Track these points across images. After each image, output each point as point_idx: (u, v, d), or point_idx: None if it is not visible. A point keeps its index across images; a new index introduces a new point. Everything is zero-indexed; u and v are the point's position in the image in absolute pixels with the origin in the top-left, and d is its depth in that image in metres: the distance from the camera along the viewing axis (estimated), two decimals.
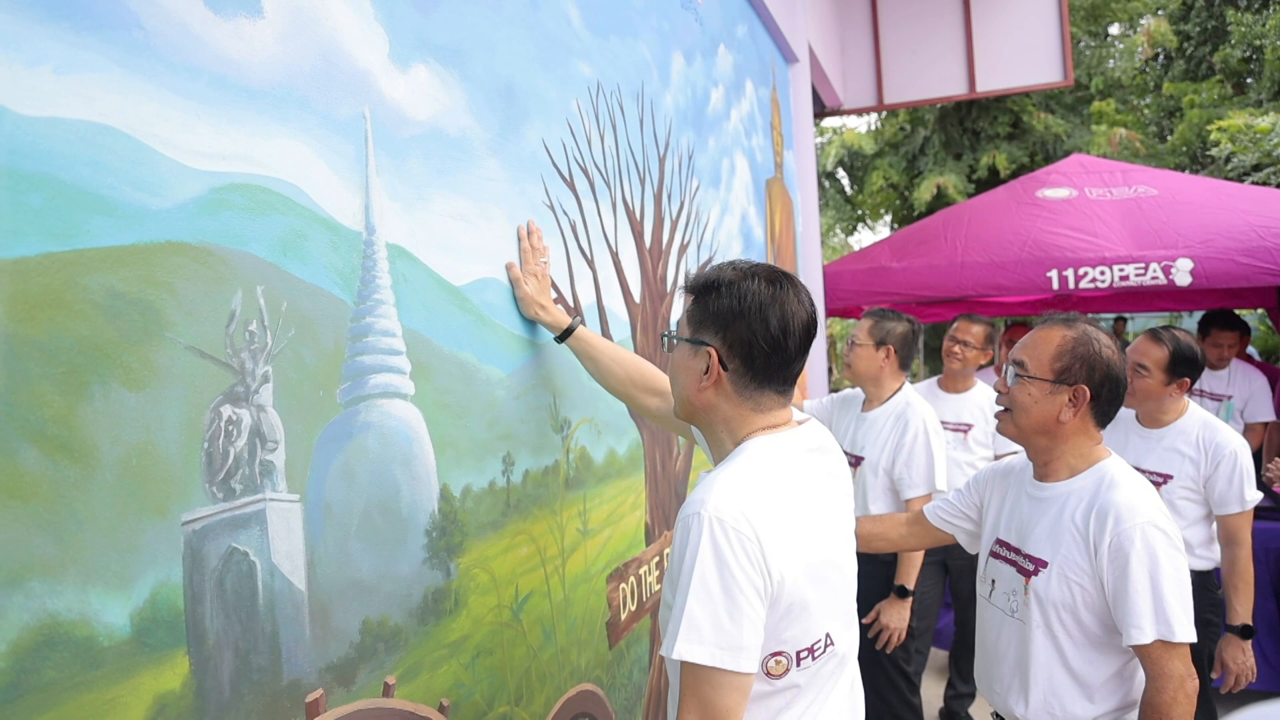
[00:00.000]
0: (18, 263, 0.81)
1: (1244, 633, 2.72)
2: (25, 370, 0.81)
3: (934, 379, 3.93)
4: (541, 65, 1.86)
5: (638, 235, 2.39)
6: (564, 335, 1.82)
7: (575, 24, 2.03)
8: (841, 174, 15.80)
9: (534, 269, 1.80)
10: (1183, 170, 13.77)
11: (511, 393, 1.69)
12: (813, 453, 1.36)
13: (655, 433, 2.46)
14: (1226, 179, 10.19)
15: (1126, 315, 7.79)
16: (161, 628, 0.94)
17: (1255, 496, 2.71)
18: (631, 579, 2.25)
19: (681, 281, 1.26)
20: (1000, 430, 1.86)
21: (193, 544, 0.98)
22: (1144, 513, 1.67)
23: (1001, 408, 1.85)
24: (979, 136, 13.65)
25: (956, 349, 3.69)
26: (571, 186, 1.98)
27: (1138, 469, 2.15)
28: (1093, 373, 1.76)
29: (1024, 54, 6.99)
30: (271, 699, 1.08)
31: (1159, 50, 15.11)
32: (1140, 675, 1.73)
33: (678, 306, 2.66)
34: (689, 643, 1.14)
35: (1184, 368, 2.68)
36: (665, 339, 1.42)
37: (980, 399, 3.72)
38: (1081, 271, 4.64)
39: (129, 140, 0.92)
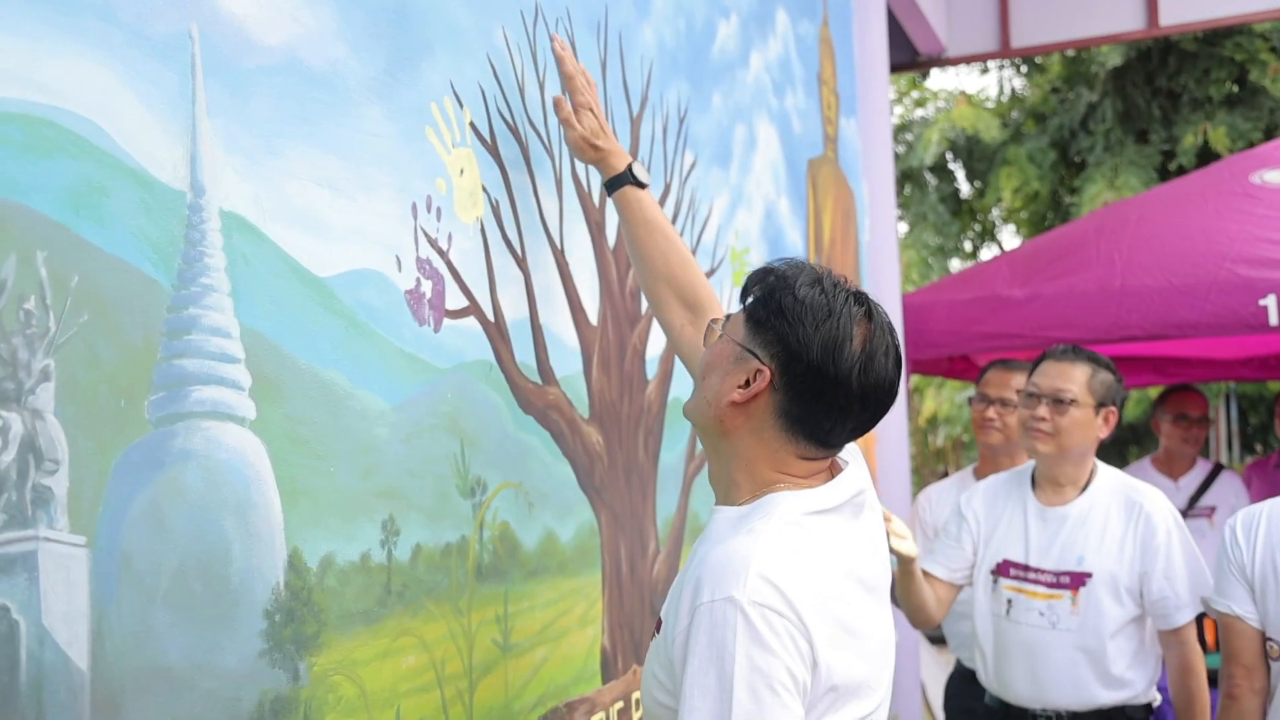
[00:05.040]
0: None
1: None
2: None
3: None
4: None
5: (596, 229, 2.48)
6: (614, 184, 2.09)
7: None
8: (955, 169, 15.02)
9: (588, 101, 2.08)
10: None
11: (398, 433, 1.78)
12: (852, 510, 1.55)
13: (620, 517, 2.51)
14: None
15: None
16: None
17: None
18: None
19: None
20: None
21: None
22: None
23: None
24: (1178, 102, 12.41)
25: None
26: (494, 152, 2.10)
27: None
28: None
29: None
30: None
31: None
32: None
33: (655, 336, 2.72)
34: None
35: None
36: (711, 326, 1.62)
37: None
38: None
39: None
